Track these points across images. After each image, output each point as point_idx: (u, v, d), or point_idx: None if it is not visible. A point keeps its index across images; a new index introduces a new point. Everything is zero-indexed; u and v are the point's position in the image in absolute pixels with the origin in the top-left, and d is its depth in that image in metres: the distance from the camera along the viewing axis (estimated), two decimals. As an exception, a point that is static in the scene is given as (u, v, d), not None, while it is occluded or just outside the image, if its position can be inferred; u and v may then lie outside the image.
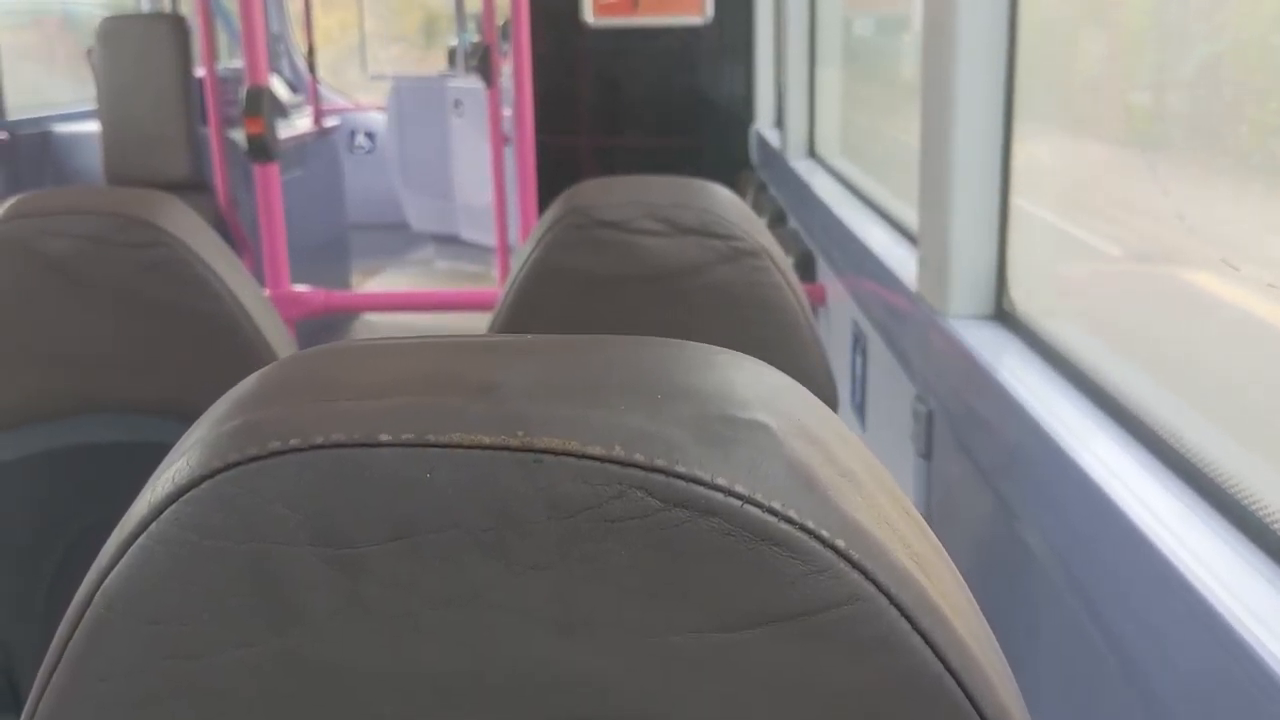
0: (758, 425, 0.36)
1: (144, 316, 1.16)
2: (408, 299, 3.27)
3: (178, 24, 3.98)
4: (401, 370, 0.37)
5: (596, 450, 0.33)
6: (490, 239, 4.49)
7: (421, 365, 0.37)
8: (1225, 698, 0.71)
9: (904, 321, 1.59)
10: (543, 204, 2.91)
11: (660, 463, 0.33)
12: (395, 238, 6.36)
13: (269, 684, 0.33)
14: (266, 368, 0.39)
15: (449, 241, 6.16)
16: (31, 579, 1.22)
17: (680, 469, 0.33)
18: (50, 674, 0.35)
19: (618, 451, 0.33)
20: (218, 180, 3.82)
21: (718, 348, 0.40)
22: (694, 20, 3.44)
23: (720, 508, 0.33)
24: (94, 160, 4.06)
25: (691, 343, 0.40)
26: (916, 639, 0.34)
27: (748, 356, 0.40)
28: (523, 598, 0.33)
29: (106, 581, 0.35)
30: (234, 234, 3.92)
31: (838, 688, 0.34)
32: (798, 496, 0.34)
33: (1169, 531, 0.83)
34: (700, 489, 0.33)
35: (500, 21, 4.45)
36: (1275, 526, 0.80)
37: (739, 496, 0.33)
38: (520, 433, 0.34)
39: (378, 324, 4.74)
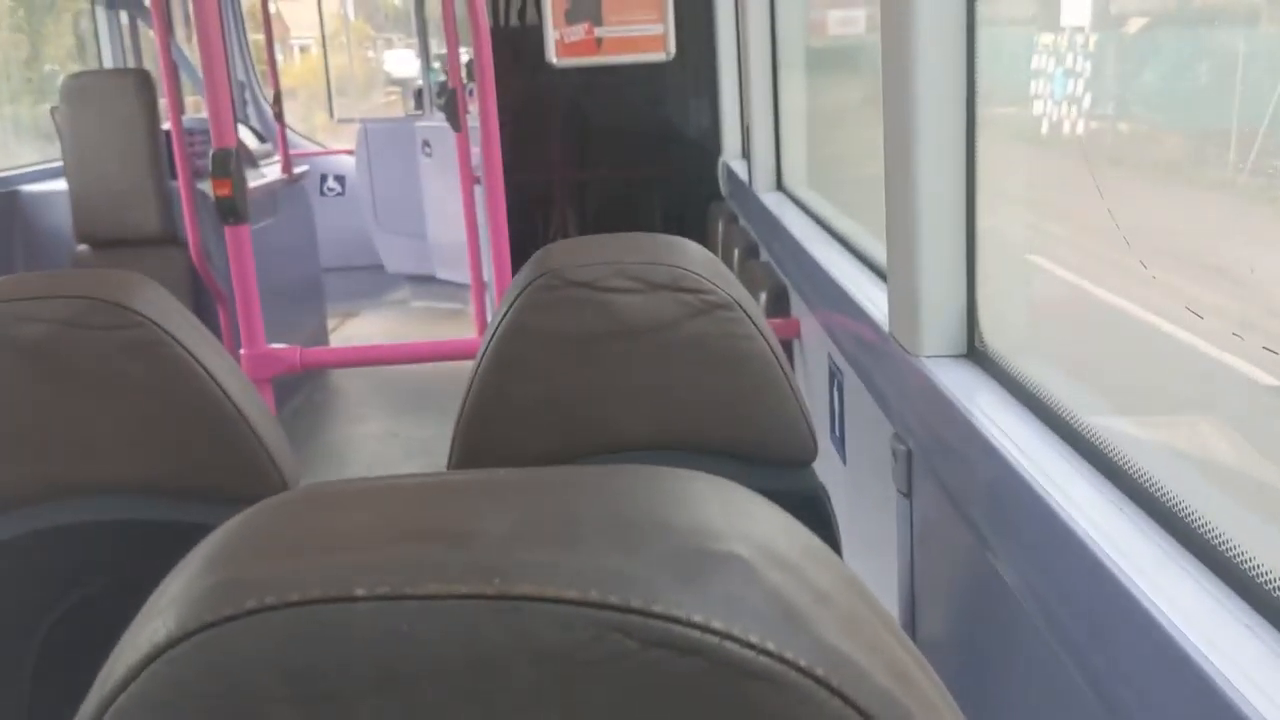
0: (732, 557, 0.36)
1: (121, 397, 1.16)
2: (384, 352, 3.27)
3: (142, 78, 3.98)
4: (374, 518, 0.38)
5: (573, 594, 0.34)
6: (465, 276, 4.50)
7: (393, 512, 0.38)
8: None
9: (878, 359, 1.60)
10: (516, 241, 2.92)
11: (637, 604, 0.34)
12: (371, 279, 6.36)
13: None
14: (238, 517, 0.40)
15: (425, 281, 6.16)
16: (17, 658, 1.21)
17: (657, 609, 0.34)
18: None
19: (594, 595, 0.34)
20: (189, 234, 3.81)
21: (691, 473, 0.41)
22: (658, 57, 3.47)
23: (699, 646, 0.34)
24: (63, 219, 4.04)
25: (664, 470, 0.41)
26: None
27: (720, 480, 0.41)
28: None
29: None
30: (208, 286, 3.90)
31: None
32: (775, 627, 0.35)
33: (1139, 571, 0.84)
34: (678, 628, 0.34)
35: (465, 60, 4.47)
36: (1240, 562, 0.81)
37: (717, 633, 0.34)
38: (496, 580, 0.34)
39: (354, 371, 4.73)
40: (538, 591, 0.34)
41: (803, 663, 0.34)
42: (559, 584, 0.34)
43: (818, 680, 0.34)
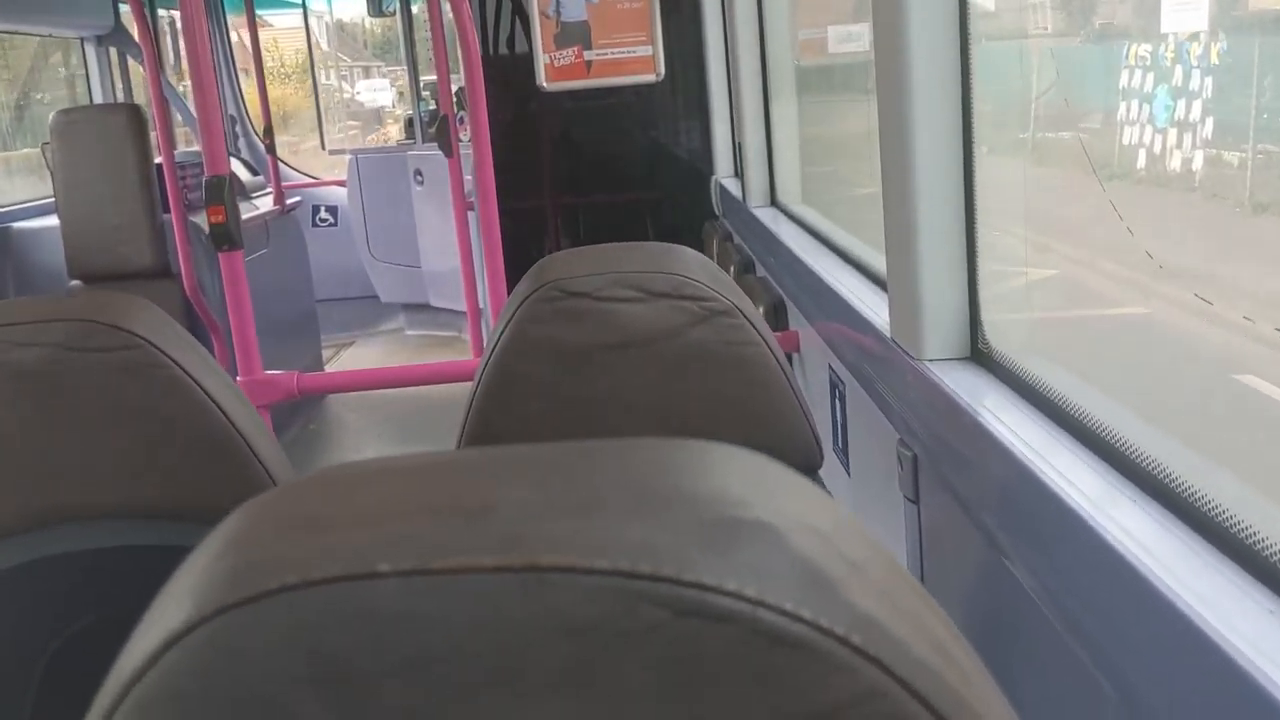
0: (761, 525, 0.35)
1: (120, 420, 1.15)
2: (380, 376, 3.26)
3: (134, 113, 3.98)
4: (394, 495, 0.36)
5: (601, 564, 0.33)
6: (459, 304, 4.50)
7: (413, 489, 0.37)
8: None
9: (881, 366, 1.59)
10: (511, 267, 2.92)
11: (667, 572, 0.33)
12: (365, 309, 6.36)
13: None
14: (254, 500, 0.39)
15: (419, 309, 6.17)
16: (19, 687, 1.20)
17: (688, 577, 0.33)
18: None
19: (623, 564, 0.33)
20: (182, 267, 3.81)
21: (712, 444, 0.40)
22: (647, 78, 3.49)
23: (732, 614, 0.33)
24: (55, 255, 4.03)
25: (685, 441, 0.40)
26: None
27: (742, 450, 0.40)
28: None
29: None
30: (203, 319, 3.89)
31: None
32: (808, 594, 0.34)
33: (1159, 563, 0.83)
34: (710, 596, 0.33)
35: (455, 88, 4.48)
36: (1257, 546, 0.80)
37: (749, 600, 0.33)
38: (523, 552, 0.33)
39: (351, 400, 4.71)
40: (565, 562, 0.33)
41: (838, 630, 0.33)
42: (587, 554, 0.33)
43: (854, 648, 0.33)
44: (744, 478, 0.38)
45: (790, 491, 0.39)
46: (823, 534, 0.37)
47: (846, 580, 0.35)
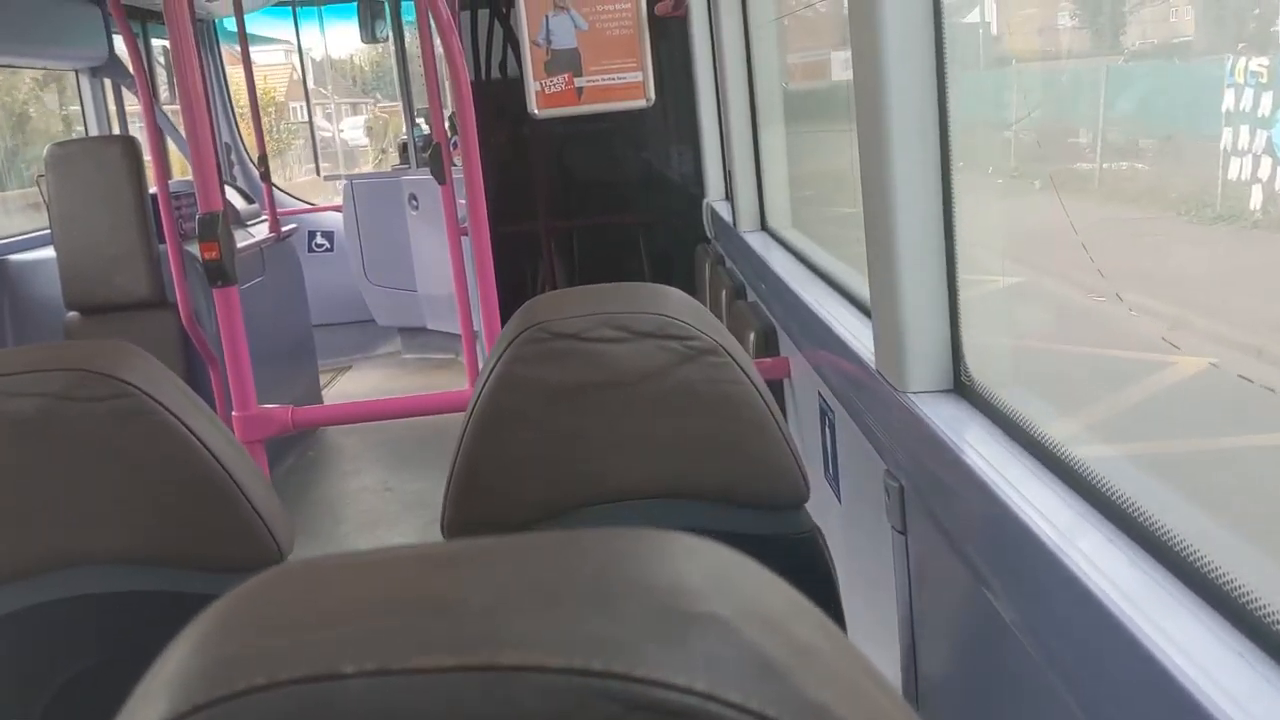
0: (712, 616, 0.37)
1: (113, 468, 1.16)
2: (375, 408, 3.29)
3: (128, 144, 4.01)
4: (360, 592, 0.38)
5: (555, 662, 0.34)
6: (456, 327, 4.52)
7: (378, 585, 0.38)
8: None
9: (867, 396, 1.61)
10: (505, 291, 2.93)
11: (618, 668, 0.34)
12: (362, 333, 6.39)
13: None
14: (227, 596, 0.40)
15: (416, 332, 6.19)
16: None
17: (639, 673, 0.34)
18: None
19: (576, 661, 0.34)
20: (178, 297, 3.83)
21: (672, 534, 0.41)
22: (638, 104, 3.51)
23: (683, 708, 0.34)
24: (51, 287, 4.05)
25: (643, 531, 0.41)
26: None
27: (701, 540, 0.42)
28: None
29: None
30: (199, 348, 3.91)
31: None
32: (757, 685, 0.35)
33: (1130, 602, 0.85)
34: (661, 691, 0.34)
35: (448, 114, 4.51)
36: (1228, 588, 0.82)
37: (699, 694, 0.34)
38: (482, 651, 0.35)
39: (349, 425, 4.73)
40: (521, 661, 0.34)
41: (786, 719, 0.35)
42: (542, 651, 0.34)
43: None
44: (699, 569, 0.39)
45: (745, 581, 0.40)
46: (772, 621, 0.38)
47: (795, 668, 0.37)
